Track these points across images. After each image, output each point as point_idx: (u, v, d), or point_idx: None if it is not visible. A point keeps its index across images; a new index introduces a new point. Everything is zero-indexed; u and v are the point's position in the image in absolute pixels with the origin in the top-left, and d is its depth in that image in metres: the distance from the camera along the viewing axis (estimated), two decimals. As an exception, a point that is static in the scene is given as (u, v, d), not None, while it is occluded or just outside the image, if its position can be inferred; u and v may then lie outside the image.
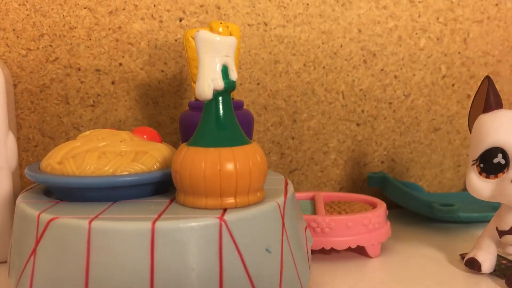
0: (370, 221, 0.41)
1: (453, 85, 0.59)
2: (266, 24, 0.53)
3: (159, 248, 0.25)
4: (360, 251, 0.43)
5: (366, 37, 0.56)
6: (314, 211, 0.44)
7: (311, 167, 0.56)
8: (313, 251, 0.42)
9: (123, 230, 0.25)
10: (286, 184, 0.34)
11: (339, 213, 0.43)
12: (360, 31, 0.56)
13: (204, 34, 0.29)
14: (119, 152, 0.31)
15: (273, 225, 0.29)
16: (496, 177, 0.35)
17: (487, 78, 0.37)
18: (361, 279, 0.38)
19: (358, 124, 0.57)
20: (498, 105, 0.37)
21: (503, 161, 0.34)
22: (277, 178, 0.36)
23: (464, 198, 0.55)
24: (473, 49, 0.59)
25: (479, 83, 0.59)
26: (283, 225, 0.30)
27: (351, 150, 0.57)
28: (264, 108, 0.54)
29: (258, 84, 0.54)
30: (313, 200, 0.48)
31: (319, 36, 0.55)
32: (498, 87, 0.60)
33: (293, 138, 0.55)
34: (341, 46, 0.55)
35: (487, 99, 0.37)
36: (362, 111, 0.57)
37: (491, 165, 0.35)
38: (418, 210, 0.50)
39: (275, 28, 0.53)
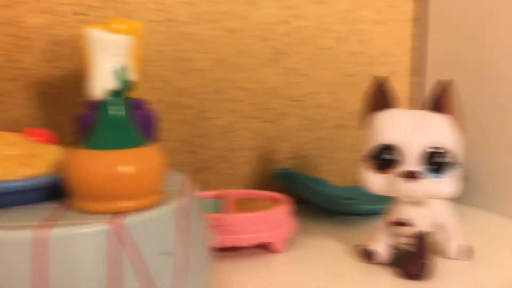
0: (276, 217, 0.42)
1: (357, 83, 0.62)
2: (173, 21, 0.53)
3: (45, 258, 0.24)
4: (266, 247, 0.43)
5: (274, 36, 0.57)
6: (222, 210, 0.44)
7: (220, 165, 0.56)
8: (218, 250, 0.42)
9: (4, 240, 0.23)
10: (187, 183, 0.34)
11: (245, 210, 0.44)
12: (268, 29, 0.56)
13: (96, 32, 0.28)
14: (4, 156, 0.29)
15: (171, 227, 0.29)
16: (388, 172, 0.37)
17: (379, 78, 0.39)
18: (267, 275, 0.39)
19: (266, 122, 0.58)
20: (390, 104, 0.39)
21: (393, 157, 0.36)
22: (177, 178, 0.35)
23: (367, 191, 0.57)
24: (375, 49, 0.62)
25: (380, 82, 0.62)
26: (183, 226, 0.29)
27: (260, 147, 0.58)
28: (171, 106, 0.54)
29: (164, 81, 0.53)
30: (221, 198, 0.48)
31: (227, 34, 0.55)
32: (396, 85, 0.63)
33: (201, 137, 0.55)
34: (249, 44, 0.56)
35: (379, 98, 0.38)
36: (270, 108, 0.58)
37: (383, 161, 0.37)
38: (323, 204, 0.52)
39: (182, 25, 0.53)
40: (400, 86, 0.64)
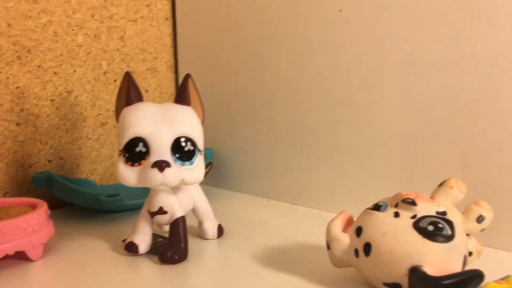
0: (29, 223, 0.40)
1: (115, 80, 0.62)
2: None
3: None
4: (21, 257, 0.41)
5: (17, 31, 0.53)
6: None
7: (-36, 175, 0.51)
8: (-37, 268, 0.38)
9: None
10: None
11: (-6, 220, 0.40)
12: (10, 25, 0.52)
13: None
14: None
15: None
16: (140, 164, 0.38)
17: (127, 73, 0.40)
18: (23, 286, 0.36)
19: (18, 124, 0.54)
20: (138, 98, 0.40)
21: (144, 149, 0.38)
22: None
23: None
24: (131, 46, 0.63)
25: (139, 79, 0.64)
26: None
27: (12, 152, 0.54)
28: None
29: None
30: (-36, 211, 0.43)
31: (-41, 29, 0.49)
32: (156, 81, 0.65)
33: None
34: (-11, 40, 0.51)
35: (128, 93, 0.39)
36: (22, 109, 0.54)
37: (134, 154, 0.38)
38: (86, 204, 0.51)
39: None
40: (162, 82, 0.66)
